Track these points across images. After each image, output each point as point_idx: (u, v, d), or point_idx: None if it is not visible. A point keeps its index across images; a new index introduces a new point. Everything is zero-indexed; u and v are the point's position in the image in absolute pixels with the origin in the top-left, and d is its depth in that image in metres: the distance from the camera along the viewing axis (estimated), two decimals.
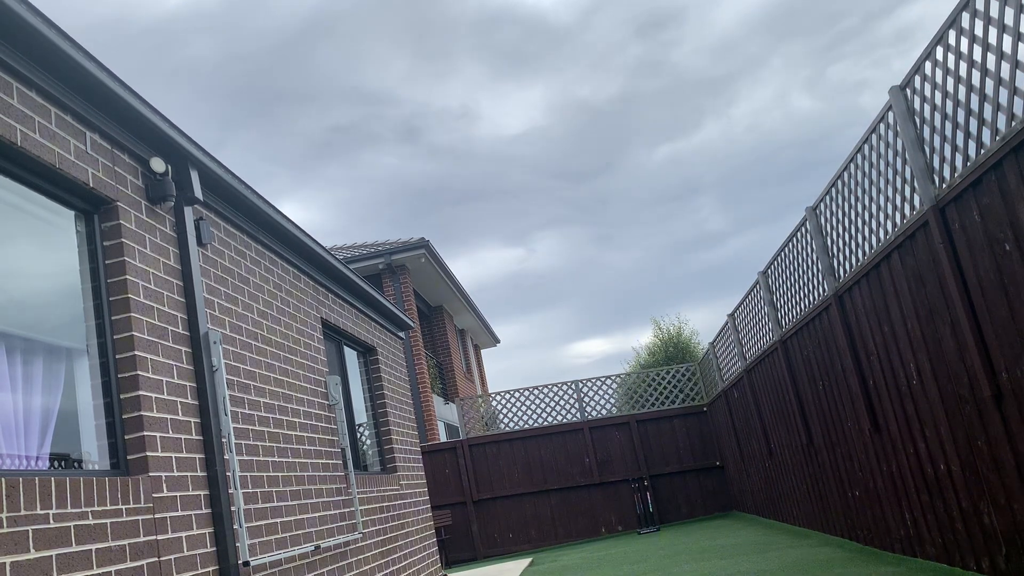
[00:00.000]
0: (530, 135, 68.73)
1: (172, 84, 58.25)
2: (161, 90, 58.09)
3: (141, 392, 4.21)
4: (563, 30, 62.50)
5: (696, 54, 64.90)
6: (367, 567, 7.22)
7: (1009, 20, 3.98)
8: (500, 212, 75.90)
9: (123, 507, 3.85)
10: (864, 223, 6.11)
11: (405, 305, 17.74)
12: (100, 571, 3.59)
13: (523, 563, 12.39)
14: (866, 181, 5.96)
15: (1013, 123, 4.00)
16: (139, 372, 4.22)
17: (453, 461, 15.37)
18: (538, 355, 63.53)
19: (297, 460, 6.09)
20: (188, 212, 5.05)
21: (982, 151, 4.36)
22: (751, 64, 64.87)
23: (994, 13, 4.11)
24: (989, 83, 4.23)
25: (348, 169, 73.19)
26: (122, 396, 4.18)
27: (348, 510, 6.96)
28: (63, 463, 3.82)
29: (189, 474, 4.51)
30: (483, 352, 30.13)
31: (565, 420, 15.79)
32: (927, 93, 4.93)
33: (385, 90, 65.06)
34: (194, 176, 5.08)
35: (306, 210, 71.21)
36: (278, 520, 5.53)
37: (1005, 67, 4.07)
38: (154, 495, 4.14)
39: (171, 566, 4.15)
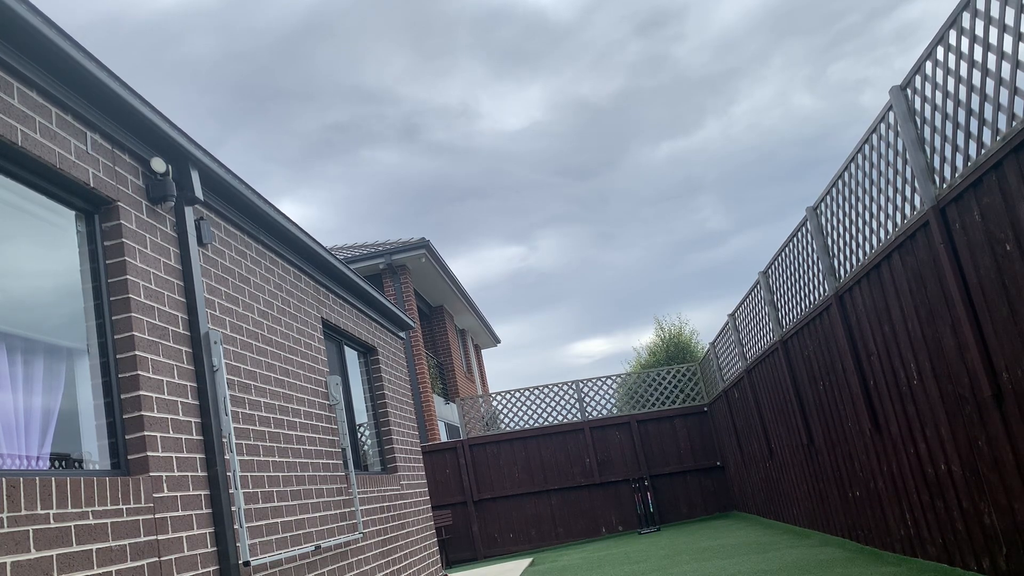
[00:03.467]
0: (530, 133, 68.80)
1: (170, 82, 58.30)
2: (160, 89, 58.15)
3: (142, 392, 4.21)
4: (563, 28, 62.55)
5: (697, 52, 64.93)
6: (367, 567, 7.22)
7: (1009, 20, 3.97)
8: (501, 210, 75.97)
9: (123, 507, 3.86)
10: (865, 223, 6.10)
11: (405, 305, 17.74)
12: (100, 571, 3.60)
13: (523, 563, 12.39)
14: (867, 181, 5.96)
15: (1013, 123, 4.00)
16: (140, 372, 4.23)
17: (454, 461, 15.37)
18: (538, 355, 63.55)
19: (298, 460, 6.09)
20: (188, 212, 5.05)
21: (982, 151, 4.36)
22: (752, 62, 64.89)
23: (994, 13, 4.11)
24: (990, 83, 4.23)
25: (348, 167, 73.24)
26: (123, 396, 4.18)
27: (348, 510, 6.97)
28: (64, 463, 3.82)
29: (189, 474, 4.51)
30: (483, 352, 30.13)
31: (565, 420, 15.80)
32: (928, 93, 4.93)
33: (385, 88, 65.10)
34: (194, 176, 5.09)
35: (306, 208, 71.28)
36: (278, 520, 5.53)
37: (1005, 67, 4.07)
38: (155, 495, 4.14)
39: (171, 566, 4.15)
